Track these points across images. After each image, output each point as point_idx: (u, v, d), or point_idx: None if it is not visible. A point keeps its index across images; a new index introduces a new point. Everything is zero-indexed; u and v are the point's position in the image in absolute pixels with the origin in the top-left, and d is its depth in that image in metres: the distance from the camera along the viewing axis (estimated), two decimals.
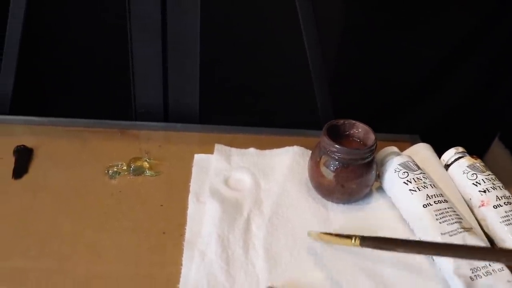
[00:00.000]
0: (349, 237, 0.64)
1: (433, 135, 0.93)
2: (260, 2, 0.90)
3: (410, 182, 0.74)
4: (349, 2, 1.15)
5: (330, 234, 0.67)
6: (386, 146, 0.80)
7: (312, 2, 0.88)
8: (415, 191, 0.72)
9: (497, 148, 1.21)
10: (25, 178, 0.79)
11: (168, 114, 0.93)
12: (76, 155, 0.84)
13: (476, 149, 0.84)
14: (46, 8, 0.88)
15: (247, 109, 1.04)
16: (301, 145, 0.87)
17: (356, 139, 0.77)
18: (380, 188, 0.79)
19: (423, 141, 0.91)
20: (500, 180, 0.76)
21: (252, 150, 0.85)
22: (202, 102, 0.92)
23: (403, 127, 1.18)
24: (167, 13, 0.85)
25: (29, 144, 0.85)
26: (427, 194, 0.71)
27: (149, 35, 0.86)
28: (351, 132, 0.78)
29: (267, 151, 0.85)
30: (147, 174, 0.80)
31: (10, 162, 0.82)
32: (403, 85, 1.27)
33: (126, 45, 0.87)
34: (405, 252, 0.62)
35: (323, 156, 0.74)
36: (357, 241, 0.63)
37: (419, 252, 0.64)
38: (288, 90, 1.08)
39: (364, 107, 1.15)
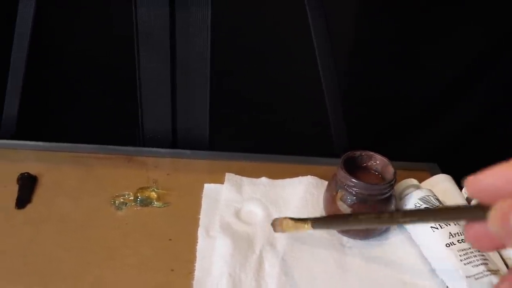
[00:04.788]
0: (304, 221, 0.61)
1: (447, 155, 0.90)
2: (272, 22, 0.87)
3: None
4: (361, 16, 1.12)
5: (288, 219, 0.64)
6: (402, 174, 0.77)
7: (326, 17, 0.85)
8: (437, 228, 0.69)
9: None
10: (28, 207, 0.77)
11: (176, 139, 0.90)
12: (81, 183, 0.81)
13: None
14: (52, 32, 0.85)
15: (257, 132, 1.01)
16: (314, 174, 0.83)
17: (374, 172, 0.74)
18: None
19: (437, 163, 0.88)
20: None
21: (264, 179, 0.82)
22: (211, 126, 0.88)
23: (416, 145, 1.15)
24: (176, 37, 0.82)
25: (33, 171, 0.82)
26: (450, 232, 0.68)
27: (157, 58, 0.83)
28: (369, 164, 0.74)
29: (279, 181, 0.82)
30: (155, 205, 0.77)
31: (13, 190, 0.79)
32: (417, 101, 1.23)
33: (134, 70, 0.84)
34: (355, 226, 0.61)
35: (339, 190, 0.70)
36: (309, 225, 0.60)
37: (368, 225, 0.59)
38: (299, 107, 1.05)
39: (376, 121, 1.12)
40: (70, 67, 0.91)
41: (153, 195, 0.77)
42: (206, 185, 0.81)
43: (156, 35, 0.81)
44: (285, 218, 0.64)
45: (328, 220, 0.62)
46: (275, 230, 0.66)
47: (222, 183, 0.82)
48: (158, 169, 0.84)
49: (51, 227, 0.73)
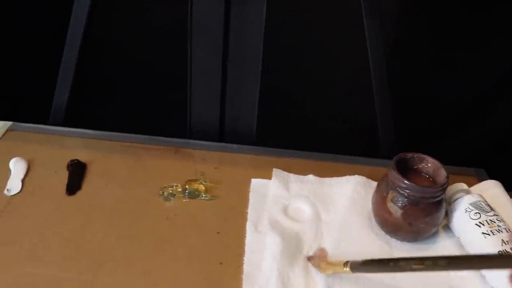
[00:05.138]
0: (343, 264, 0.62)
1: (484, 159, 0.89)
2: (325, 20, 0.86)
3: (483, 225, 0.69)
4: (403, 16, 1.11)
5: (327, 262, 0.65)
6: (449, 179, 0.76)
7: (380, 21, 0.84)
8: (489, 234, 0.68)
9: None
10: (78, 194, 0.78)
11: (223, 133, 0.90)
12: (129, 173, 0.82)
13: None
14: (105, 24, 0.86)
15: (302, 129, 1.01)
16: (360, 174, 0.83)
17: (425, 174, 0.73)
18: (447, 227, 0.75)
19: (479, 167, 0.87)
20: None
21: (311, 177, 0.82)
22: (259, 121, 0.89)
23: (454, 147, 1.13)
24: (230, 31, 0.82)
25: (82, 158, 0.83)
26: (502, 240, 0.67)
27: (210, 51, 0.84)
28: (420, 166, 0.74)
29: (327, 179, 0.82)
30: (202, 198, 0.77)
31: (63, 176, 0.80)
32: (456, 103, 1.21)
33: (185, 60, 0.85)
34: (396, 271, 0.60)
35: (390, 192, 0.70)
36: (348, 268, 0.61)
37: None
38: (348, 107, 1.04)
39: (415, 122, 1.11)
40: (122, 57, 0.91)
41: (201, 187, 0.78)
42: (253, 180, 0.81)
43: (210, 28, 0.81)
44: (323, 262, 0.66)
45: (367, 263, 0.61)
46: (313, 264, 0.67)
47: (269, 178, 0.82)
48: (206, 162, 0.85)
49: (101, 215, 0.74)
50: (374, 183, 0.80)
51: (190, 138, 0.90)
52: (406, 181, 0.68)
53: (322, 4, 0.84)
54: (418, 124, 1.08)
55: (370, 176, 0.82)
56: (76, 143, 0.89)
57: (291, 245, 0.69)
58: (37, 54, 0.89)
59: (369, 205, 0.76)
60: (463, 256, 0.61)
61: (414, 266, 0.55)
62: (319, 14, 0.84)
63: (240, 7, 0.79)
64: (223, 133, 0.91)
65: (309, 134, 0.97)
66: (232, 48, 0.83)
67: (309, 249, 0.70)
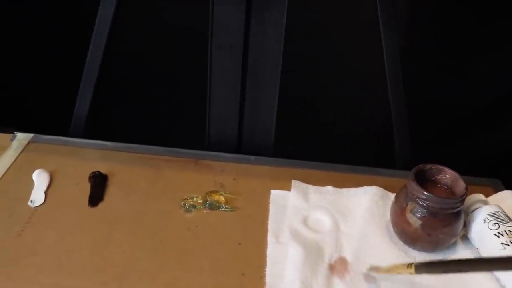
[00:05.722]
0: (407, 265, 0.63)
1: (498, 168, 0.89)
2: (343, 32, 0.87)
3: (502, 235, 0.70)
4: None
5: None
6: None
7: (397, 31, 0.85)
8: (508, 245, 0.69)
9: None
10: (101, 206, 0.79)
11: (241, 144, 0.91)
12: (150, 184, 0.83)
13: None
14: (127, 36, 0.87)
15: (320, 137, 1.01)
16: (377, 184, 0.84)
17: (443, 185, 0.74)
18: (465, 237, 0.75)
19: (492, 176, 0.87)
20: None
21: (329, 188, 0.83)
22: (277, 133, 0.90)
23: (465, 155, 1.14)
24: (250, 37, 0.83)
25: (102, 169, 0.85)
26: None
27: (230, 59, 0.85)
28: (438, 177, 0.75)
29: (345, 190, 0.83)
30: (223, 209, 0.78)
31: (85, 187, 0.82)
32: (466, 111, 1.21)
33: (205, 72, 0.86)
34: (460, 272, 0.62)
35: (410, 203, 0.71)
36: (413, 269, 0.62)
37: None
38: (363, 114, 1.05)
39: (437, 130, 1.11)
40: (142, 69, 0.93)
41: (222, 199, 0.79)
42: (273, 191, 0.82)
43: (230, 35, 0.82)
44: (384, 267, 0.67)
45: (430, 265, 0.62)
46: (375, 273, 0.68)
47: (287, 189, 0.83)
48: (225, 173, 0.86)
49: (124, 226, 0.75)
50: (391, 194, 0.81)
51: (208, 149, 0.92)
52: (425, 192, 0.69)
53: (338, 10, 0.85)
54: (433, 130, 1.08)
55: (386, 187, 0.83)
56: (96, 155, 0.90)
57: (312, 254, 0.70)
58: (57, 67, 0.91)
59: (387, 215, 0.77)
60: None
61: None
62: (335, 21, 0.85)
63: (261, 12, 0.80)
64: (241, 145, 0.92)
65: (325, 141, 0.97)
66: (252, 54, 0.84)
67: (331, 259, 0.71)
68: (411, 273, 0.62)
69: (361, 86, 0.92)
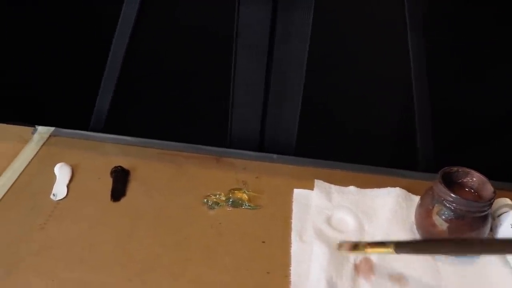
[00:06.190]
0: (384, 244, 0.62)
1: None
2: (367, 32, 0.86)
3: None
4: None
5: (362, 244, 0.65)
6: None
7: (425, 39, 0.85)
8: None
9: None
10: (123, 201, 0.79)
11: (263, 142, 0.91)
12: (172, 180, 0.83)
13: None
14: (150, 34, 0.87)
15: (340, 138, 1.00)
16: (399, 186, 0.83)
17: (469, 189, 0.73)
18: None
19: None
20: None
21: (352, 188, 0.82)
22: (299, 132, 0.89)
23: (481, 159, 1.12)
24: (275, 38, 0.83)
25: (124, 165, 0.84)
26: None
27: (255, 58, 0.84)
28: (464, 180, 0.74)
29: (368, 191, 0.82)
30: (246, 207, 0.78)
31: (107, 182, 0.82)
32: (486, 116, 1.20)
33: (229, 68, 0.86)
34: (444, 254, 0.60)
35: (436, 205, 0.70)
36: (392, 248, 0.61)
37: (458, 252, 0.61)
38: (389, 123, 1.04)
39: (460, 134, 1.09)
40: (164, 64, 0.92)
41: (245, 196, 0.79)
42: (295, 190, 0.81)
43: (255, 35, 0.82)
44: (366, 244, 0.66)
45: (411, 243, 0.62)
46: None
47: (309, 188, 0.82)
48: (247, 171, 0.86)
49: (146, 222, 0.75)
50: (414, 196, 0.81)
51: (230, 147, 0.91)
52: (453, 195, 0.68)
53: (364, 10, 0.84)
54: (456, 132, 1.07)
55: (409, 189, 0.83)
56: (117, 150, 0.90)
57: (337, 254, 0.70)
58: (79, 62, 0.91)
59: (410, 217, 0.76)
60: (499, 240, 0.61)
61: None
62: (360, 21, 0.84)
63: (287, 13, 0.80)
64: (263, 143, 0.92)
65: (347, 142, 0.97)
66: (277, 55, 0.84)
67: (356, 259, 0.70)
68: (390, 253, 0.62)
69: (384, 87, 0.91)
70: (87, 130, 0.94)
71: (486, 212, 0.69)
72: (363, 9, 0.85)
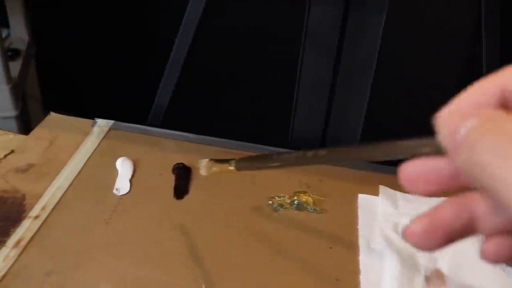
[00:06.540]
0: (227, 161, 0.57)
1: None
2: (441, 37, 0.84)
3: None
4: None
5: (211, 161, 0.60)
6: None
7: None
8: None
9: None
10: (186, 199, 0.78)
11: (326, 145, 0.89)
12: (235, 180, 0.82)
13: None
14: (215, 32, 0.86)
15: None
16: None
17: None
18: None
19: None
20: None
21: (418, 196, 0.80)
22: (363, 135, 0.87)
23: None
24: (345, 40, 0.81)
25: (185, 161, 0.83)
26: None
27: (322, 59, 0.83)
28: None
29: (435, 199, 0.80)
30: (311, 210, 0.76)
31: (168, 179, 0.81)
32: None
33: (295, 68, 0.84)
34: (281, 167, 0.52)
35: None
36: (233, 165, 0.55)
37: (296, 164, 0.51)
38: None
39: None
40: (224, 64, 0.92)
41: (310, 200, 0.77)
42: (360, 195, 0.80)
43: (325, 35, 0.80)
44: (209, 160, 0.61)
45: (251, 159, 0.56)
46: (201, 173, 0.62)
47: (373, 194, 0.81)
48: (310, 174, 0.84)
49: (211, 221, 0.74)
50: None
51: (291, 147, 0.90)
52: None
53: (436, 13, 0.82)
54: None
55: None
56: (177, 146, 0.89)
57: (408, 265, 0.68)
58: (141, 58, 0.90)
59: None
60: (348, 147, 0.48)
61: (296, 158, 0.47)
62: (433, 27, 0.83)
63: (359, 15, 0.78)
64: (325, 145, 0.90)
65: None
66: (345, 57, 0.82)
67: (426, 271, 0.68)
68: (231, 170, 0.56)
69: (451, 90, 0.89)
70: (144, 125, 0.93)
71: None
72: (435, 12, 0.83)
